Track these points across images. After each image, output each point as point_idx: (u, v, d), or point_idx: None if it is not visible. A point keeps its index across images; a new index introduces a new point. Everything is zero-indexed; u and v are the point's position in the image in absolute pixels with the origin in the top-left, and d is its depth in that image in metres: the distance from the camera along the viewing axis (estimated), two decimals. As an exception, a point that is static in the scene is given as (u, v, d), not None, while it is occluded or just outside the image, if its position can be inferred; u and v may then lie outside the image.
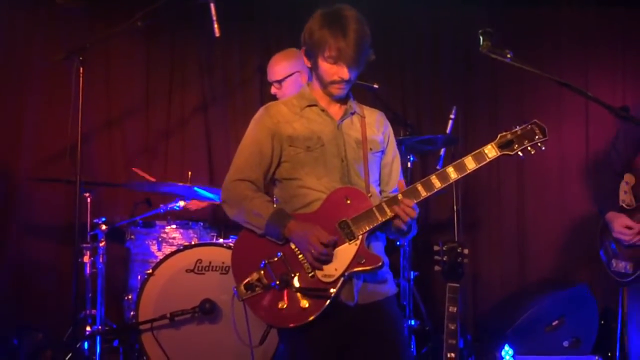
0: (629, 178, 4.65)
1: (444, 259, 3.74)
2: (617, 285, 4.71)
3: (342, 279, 3.45)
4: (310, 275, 3.47)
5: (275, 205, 3.64)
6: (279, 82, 5.16)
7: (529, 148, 3.57)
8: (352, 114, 3.74)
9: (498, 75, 7.02)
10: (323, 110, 3.69)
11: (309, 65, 3.67)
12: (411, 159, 6.11)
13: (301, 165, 3.61)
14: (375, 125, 3.79)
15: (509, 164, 6.94)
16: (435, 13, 7.06)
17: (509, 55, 3.42)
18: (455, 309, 3.69)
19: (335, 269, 3.45)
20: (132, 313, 5.28)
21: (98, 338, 5.46)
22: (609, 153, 4.80)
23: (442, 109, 6.60)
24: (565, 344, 5.67)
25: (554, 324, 5.68)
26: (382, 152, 3.78)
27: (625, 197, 4.63)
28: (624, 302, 4.69)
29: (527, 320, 5.69)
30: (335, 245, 3.46)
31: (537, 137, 3.57)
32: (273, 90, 5.25)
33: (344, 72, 3.54)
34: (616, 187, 4.75)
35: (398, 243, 6.01)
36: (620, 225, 4.48)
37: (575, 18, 7.08)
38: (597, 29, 7.04)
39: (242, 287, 3.51)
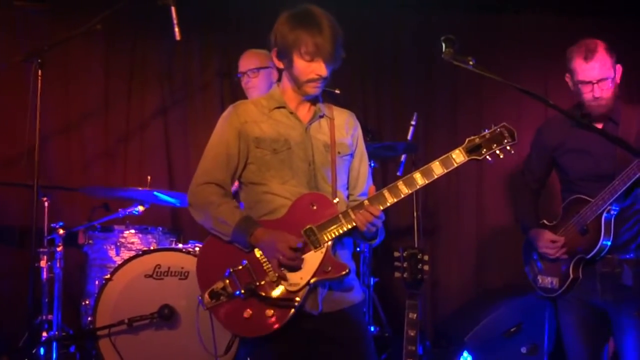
0: None
1: (404, 265, 3.70)
2: (543, 300, 4.75)
3: (307, 287, 3.43)
4: (275, 284, 3.44)
5: (241, 211, 3.59)
6: (257, 70, 5.24)
7: (497, 152, 3.56)
8: (321, 116, 3.70)
9: (458, 81, 7.06)
10: (292, 113, 3.65)
11: (282, 66, 3.62)
12: (372, 165, 6.11)
13: (267, 167, 3.58)
14: (344, 128, 3.75)
15: (469, 170, 6.98)
16: (396, 18, 7.09)
17: (471, 63, 3.41)
18: (415, 315, 3.67)
19: (301, 278, 3.42)
20: (89, 319, 5.24)
21: (54, 344, 5.41)
22: (522, 171, 4.85)
23: (403, 116, 6.64)
24: (523, 350, 5.70)
25: (511, 330, 5.70)
26: (351, 155, 3.76)
27: None
28: (556, 314, 4.72)
29: (485, 327, 5.71)
30: (304, 248, 3.44)
31: (506, 140, 3.56)
32: (245, 80, 5.32)
33: (321, 69, 3.51)
34: (534, 204, 4.81)
35: (358, 249, 6.02)
36: (544, 240, 4.51)
37: (536, 26, 7.14)
38: (556, 38, 7.09)
39: (207, 296, 3.48)
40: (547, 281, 4.57)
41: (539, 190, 4.83)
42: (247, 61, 5.34)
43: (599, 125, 4.40)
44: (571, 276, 4.38)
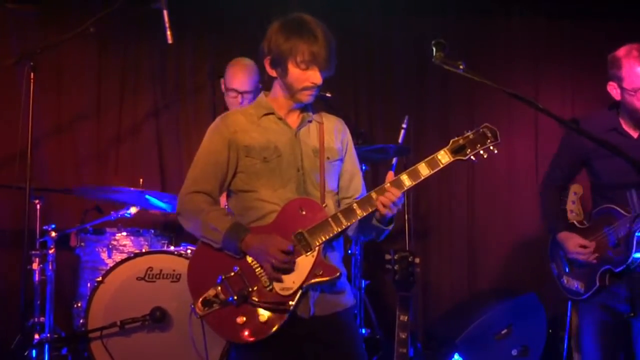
0: (577, 189, 4.67)
1: (396, 268, 3.71)
2: (568, 299, 4.72)
3: (300, 291, 3.43)
4: (268, 289, 3.44)
5: (231, 218, 3.58)
6: (249, 92, 5.11)
7: (481, 152, 3.55)
8: (310, 121, 3.71)
9: (450, 84, 7.07)
10: (280, 119, 3.65)
11: (275, 74, 3.61)
12: (363, 168, 6.11)
13: (257, 176, 3.58)
14: (333, 132, 3.75)
15: (460, 173, 7.00)
16: (387, 22, 7.10)
17: (461, 67, 3.42)
18: (406, 317, 3.68)
19: (293, 282, 3.43)
20: (81, 321, 5.25)
21: (46, 346, 5.38)
22: (551, 169, 4.80)
23: (395, 118, 6.63)
24: (514, 352, 5.72)
25: (502, 332, 5.72)
26: (341, 160, 3.76)
27: (573, 207, 4.65)
28: (574, 314, 4.70)
29: (476, 329, 5.73)
30: (295, 252, 3.44)
31: (489, 140, 3.55)
32: (239, 99, 5.14)
33: (316, 77, 3.52)
34: (563, 204, 4.74)
35: (350, 252, 6.03)
36: (575, 245, 4.44)
37: (526, 29, 7.17)
38: (547, 41, 7.13)
39: (199, 304, 3.47)
40: (572, 284, 4.52)
41: (565, 186, 4.74)
42: (245, 80, 5.16)
43: (635, 133, 4.38)
44: (597, 284, 4.33)
